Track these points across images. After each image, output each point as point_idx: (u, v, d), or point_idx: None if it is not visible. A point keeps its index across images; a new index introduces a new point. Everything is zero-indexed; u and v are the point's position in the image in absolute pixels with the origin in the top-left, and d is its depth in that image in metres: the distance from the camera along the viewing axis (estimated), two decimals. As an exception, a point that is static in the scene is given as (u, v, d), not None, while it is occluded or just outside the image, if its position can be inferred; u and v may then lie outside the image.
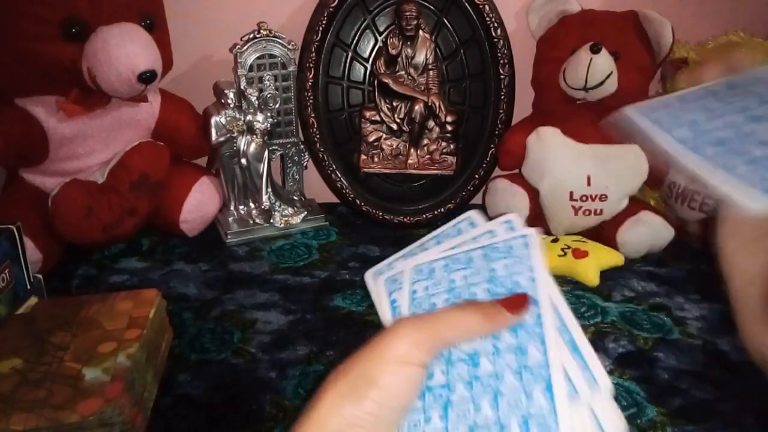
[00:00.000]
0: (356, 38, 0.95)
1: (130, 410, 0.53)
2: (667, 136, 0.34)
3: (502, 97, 0.97)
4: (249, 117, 0.89)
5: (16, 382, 0.54)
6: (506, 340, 0.30)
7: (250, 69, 0.90)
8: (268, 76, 0.91)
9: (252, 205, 0.94)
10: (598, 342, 0.70)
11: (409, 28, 0.93)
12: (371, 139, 0.98)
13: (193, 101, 0.94)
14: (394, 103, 0.97)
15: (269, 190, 0.94)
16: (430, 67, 0.96)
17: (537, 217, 0.92)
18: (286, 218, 0.93)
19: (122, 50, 0.75)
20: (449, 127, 0.97)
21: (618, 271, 0.85)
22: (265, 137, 0.91)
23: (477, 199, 1.02)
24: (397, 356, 0.28)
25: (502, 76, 0.96)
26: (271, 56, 0.90)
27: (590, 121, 0.88)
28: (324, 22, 0.91)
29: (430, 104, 0.96)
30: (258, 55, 0.89)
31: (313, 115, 0.95)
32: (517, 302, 0.31)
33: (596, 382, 0.27)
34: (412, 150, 0.99)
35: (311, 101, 0.94)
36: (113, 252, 0.87)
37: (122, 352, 0.57)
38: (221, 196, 0.93)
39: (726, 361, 0.69)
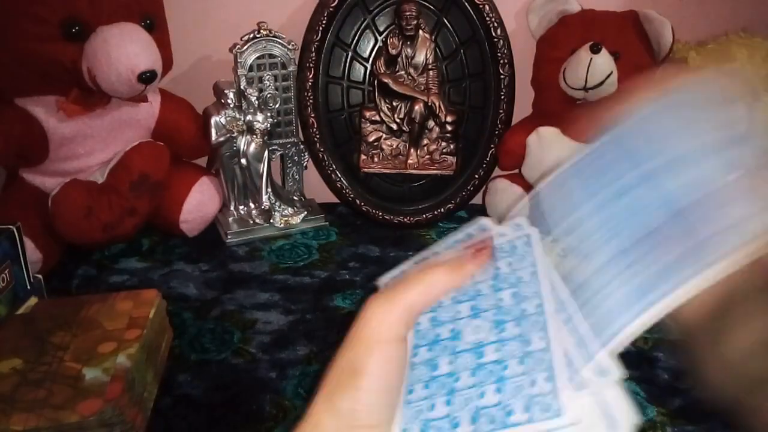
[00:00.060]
0: (356, 38, 0.95)
1: (130, 410, 0.53)
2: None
3: (502, 97, 0.97)
4: (249, 117, 0.89)
5: (16, 382, 0.54)
6: (510, 330, 0.30)
7: (250, 69, 0.90)
8: (268, 76, 0.91)
9: (252, 205, 0.94)
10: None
11: (409, 28, 0.93)
12: (371, 139, 0.98)
13: (193, 101, 0.94)
14: (394, 103, 0.97)
15: (269, 190, 0.94)
16: (430, 67, 0.96)
17: (537, 217, 0.91)
18: (286, 218, 0.93)
19: (122, 50, 0.75)
20: (449, 127, 0.97)
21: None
22: (265, 137, 0.91)
23: (477, 199, 1.02)
24: (374, 338, 0.28)
25: (502, 76, 0.96)
26: (271, 56, 0.90)
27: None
28: (324, 22, 0.91)
29: (430, 104, 0.96)
30: (258, 55, 0.89)
31: (313, 115, 0.95)
32: (480, 244, 0.32)
33: (603, 369, 0.27)
34: (412, 150, 0.99)
35: (311, 101, 0.94)
36: (113, 252, 0.87)
37: (122, 352, 0.57)
38: (221, 196, 0.93)
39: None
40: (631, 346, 0.28)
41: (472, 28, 0.96)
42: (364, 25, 0.94)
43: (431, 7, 0.94)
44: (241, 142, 0.90)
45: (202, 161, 0.98)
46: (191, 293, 0.79)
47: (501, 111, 0.98)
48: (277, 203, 0.94)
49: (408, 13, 0.92)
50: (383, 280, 0.37)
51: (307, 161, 0.99)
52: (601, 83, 0.86)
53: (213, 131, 0.89)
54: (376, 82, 0.96)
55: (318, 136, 0.95)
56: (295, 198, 0.99)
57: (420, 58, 0.95)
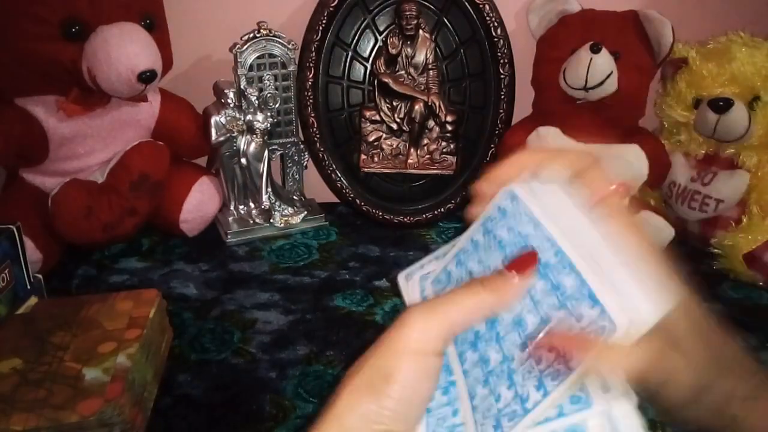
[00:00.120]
0: (356, 38, 0.95)
1: (130, 410, 0.53)
2: None
3: (502, 96, 0.97)
4: (249, 117, 0.89)
5: (16, 382, 0.54)
6: (539, 287, 0.29)
7: (250, 69, 0.90)
8: (268, 76, 0.91)
9: (252, 205, 0.94)
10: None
11: (409, 27, 0.93)
12: (371, 138, 0.98)
13: (193, 101, 0.94)
14: (394, 103, 0.97)
15: (269, 189, 0.94)
16: (430, 66, 0.96)
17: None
18: (286, 218, 0.93)
19: (122, 50, 0.75)
20: (449, 127, 0.97)
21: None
22: (265, 137, 0.91)
23: (477, 199, 1.02)
24: (411, 347, 0.27)
25: (502, 76, 0.96)
26: (271, 56, 0.90)
27: (590, 121, 0.88)
28: (324, 21, 0.91)
29: (430, 104, 0.96)
30: (258, 54, 0.89)
31: (313, 114, 0.95)
32: (524, 262, 0.29)
33: (607, 385, 0.27)
34: (412, 150, 0.99)
35: (311, 101, 0.94)
36: (113, 252, 0.87)
37: (122, 352, 0.57)
38: (221, 196, 0.93)
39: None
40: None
41: (472, 27, 0.96)
42: (364, 24, 0.94)
43: (431, 6, 0.94)
44: (241, 142, 0.90)
45: (202, 161, 0.98)
46: (191, 293, 0.79)
47: (501, 111, 0.98)
48: (277, 203, 0.94)
49: (408, 13, 0.92)
50: (404, 274, 0.36)
51: (307, 161, 0.99)
52: (601, 83, 0.86)
53: (213, 131, 0.89)
54: (376, 81, 0.96)
55: (318, 136, 0.95)
56: (295, 198, 0.99)
57: (420, 57, 0.95)
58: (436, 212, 0.99)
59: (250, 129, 0.90)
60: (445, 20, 0.95)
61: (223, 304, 0.77)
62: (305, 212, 0.95)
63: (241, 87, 0.89)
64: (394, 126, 0.97)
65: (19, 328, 0.61)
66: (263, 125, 0.89)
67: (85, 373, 0.54)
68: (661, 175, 0.92)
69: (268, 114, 0.90)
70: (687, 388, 0.34)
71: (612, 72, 0.86)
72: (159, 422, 0.59)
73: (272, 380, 0.65)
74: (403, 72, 0.96)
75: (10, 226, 0.65)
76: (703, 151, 0.90)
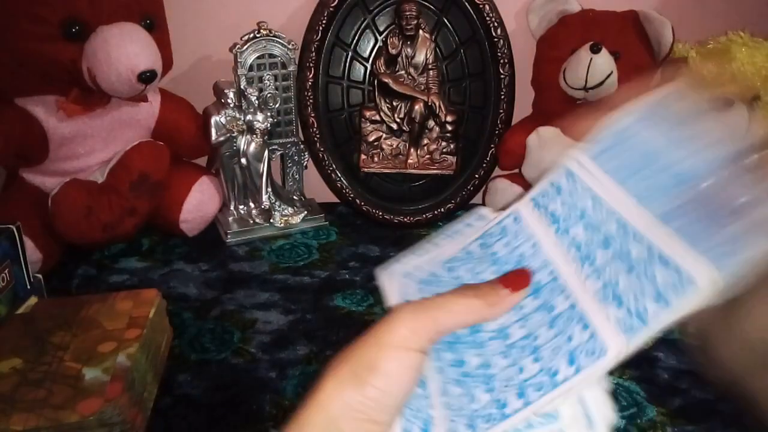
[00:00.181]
0: (356, 38, 0.95)
1: (130, 410, 0.53)
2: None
3: (502, 97, 0.97)
4: (249, 117, 0.89)
5: (16, 382, 0.54)
6: (530, 305, 0.30)
7: (250, 69, 0.90)
8: (268, 76, 0.91)
9: (252, 205, 0.94)
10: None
11: (409, 27, 0.93)
12: (371, 138, 0.98)
13: (193, 101, 0.94)
14: (394, 103, 0.97)
15: (269, 189, 0.94)
16: (430, 66, 0.96)
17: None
18: (286, 218, 0.93)
19: (122, 50, 0.75)
20: (449, 127, 0.97)
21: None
22: (265, 137, 0.91)
23: (477, 199, 1.02)
24: (397, 342, 0.28)
25: (502, 76, 0.96)
26: (271, 56, 0.90)
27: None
28: (324, 21, 0.91)
29: (430, 104, 0.96)
30: (258, 54, 0.89)
31: (313, 114, 0.95)
32: (517, 279, 0.30)
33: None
34: (412, 150, 0.99)
35: (311, 101, 0.94)
36: (113, 252, 0.87)
37: (122, 352, 0.57)
38: (221, 195, 0.93)
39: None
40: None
41: (472, 27, 0.96)
42: (364, 24, 0.94)
43: (431, 6, 0.94)
44: (241, 142, 0.90)
45: (202, 161, 0.98)
46: (191, 293, 0.79)
47: (501, 111, 0.98)
48: (277, 203, 0.94)
49: (408, 13, 0.92)
50: (384, 271, 0.37)
51: (307, 161, 0.99)
52: (601, 83, 0.86)
53: (213, 131, 0.89)
54: (376, 81, 0.96)
55: (318, 136, 0.95)
56: (295, 198, 0.99)
57: (420, 57, 0.95)
58: (436, 212, 0.99)
59: (250, 129, 0.90)
60: (445, 20, 0.95)
61: (223, 304, 0.77)
62: (305, 212, 0.95)
63: (241, 87, 0.89)
64: (394, 126, 0.97)
65: (19, 328, 0.61)
66: (263, 125, 0.89)
67: (85, 372, 0.54)
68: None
69: (268, 114, 0.90)
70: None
71: (612, 72, 0.86)
72: (159, 422, 0.59)
73: (272, 380, 0.65)
74: (403, 72, 0.96)
75: (10, 226, 0.65)
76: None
